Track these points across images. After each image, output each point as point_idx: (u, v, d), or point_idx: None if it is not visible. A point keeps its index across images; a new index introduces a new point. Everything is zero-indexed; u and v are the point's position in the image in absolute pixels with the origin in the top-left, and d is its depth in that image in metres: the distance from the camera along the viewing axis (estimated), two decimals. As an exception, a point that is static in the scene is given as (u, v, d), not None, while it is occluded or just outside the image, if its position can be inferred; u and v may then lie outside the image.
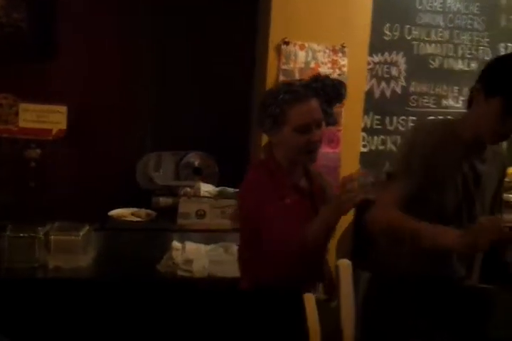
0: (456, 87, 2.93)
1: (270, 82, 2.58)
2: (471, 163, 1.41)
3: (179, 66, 2.73)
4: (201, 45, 2.73)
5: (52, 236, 1.99)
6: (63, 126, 2.45)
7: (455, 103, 2.94)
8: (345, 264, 0.91)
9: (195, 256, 2.13)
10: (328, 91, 1.48)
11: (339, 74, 2.64)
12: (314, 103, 1.44)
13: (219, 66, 2.72)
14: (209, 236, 2.33)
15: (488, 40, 2.99)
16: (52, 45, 2.51)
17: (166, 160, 2.54)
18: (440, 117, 2.90)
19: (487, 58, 2.98)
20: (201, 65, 2.73)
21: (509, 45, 3.02)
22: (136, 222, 2.37)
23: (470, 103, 1.40)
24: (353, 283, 2.75)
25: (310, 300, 0.85)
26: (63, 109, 2.45)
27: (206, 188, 2.40)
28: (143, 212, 2.43)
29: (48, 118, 2.43)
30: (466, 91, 2.94)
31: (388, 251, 1.47)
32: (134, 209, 2.43)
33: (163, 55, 2.71)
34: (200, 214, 2.34)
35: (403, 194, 1.32)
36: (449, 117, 1.61)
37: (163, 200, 2.43)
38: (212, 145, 2.62)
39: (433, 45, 2.88)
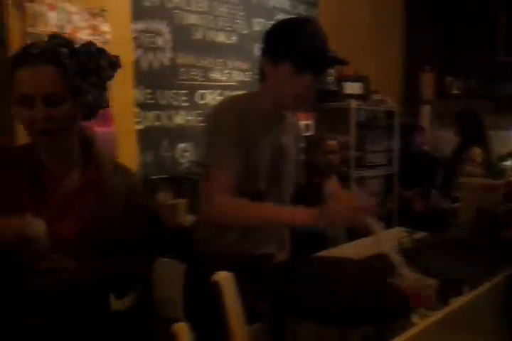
0: (220, 60, 2.94)
1: (15, 48, 2.06)
2: (274, 135, 1.40)
3: None
4: None
5: None
6: None
7: (221, 76, 2.96)
8: (224, 277, 0.72)
9: None
10: (84, 60, 1.12)
11: (103, 43, 2.30)
12: (47, 71, 1.09)
13: None
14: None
15: (243, 13, 3.07)
16: None
17: None
18: (210, 91, 2.89)
19: (244, 32, 3.08)
20: None
21: (261, 20, 3.18)
22: None
23: (262, 78, 1.39)
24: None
25: (183, 329, 0.65)
26: None
27: None
28: None
29: None
30: (230, 64, 3.00)
31: (207, 238, 1.42)
32: None
33: None
34: None
35: (232, 178, 1.28)
36: (244, 92, 1.53)
37: None
38: None
39: (194, 15, 2.80)
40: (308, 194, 2.72)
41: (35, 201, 1.12)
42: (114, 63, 1.18)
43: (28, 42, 2.07)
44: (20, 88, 1.08)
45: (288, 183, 1.45)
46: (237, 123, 1.29)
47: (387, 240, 1.29)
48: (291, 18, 1.44)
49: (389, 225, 2.24)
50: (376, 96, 3.94)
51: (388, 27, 4.35)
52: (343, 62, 1.33)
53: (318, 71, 1.32)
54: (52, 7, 2.15)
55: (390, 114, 4.16)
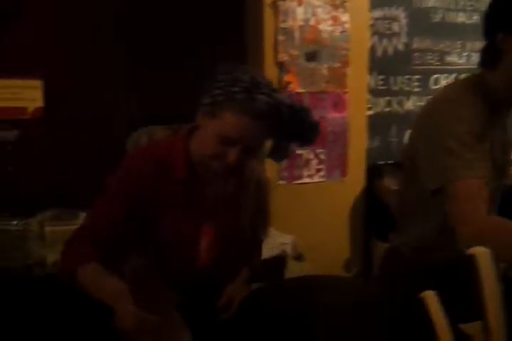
0: (459, 42, 2.78)
1: (268, 43, 2.34)
2: (503, 126, 1.22)
3: (160, 30, 2.45)
4: (184, 7, 2.44)
5: (46, 227, 1.75)
6: (40, 103, 2.17)
7: (458, 59, 2.80)
8: (482, 252, 0.74)
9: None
10: (297, 129, 1.08)
11: (341, 32, 2.43)
12: (262, 127, 1.04)
13: (204, 29, 2.46)
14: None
15: (488, -10, 2.83)
16: (16, 7, 2.17)
17: (160, 135, 2.29)
18: (445, 75, 2.77)
19: (488, 10, 2.83)
20: (185, 27, 2.46)
21: (510, -6, 2.87)
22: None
23: (487, 62, 1.16)
24: (369, 252, 2.66)
25: (431, 297, 0.69)
26: (38, 83, 2.15)
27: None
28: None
29: (22, 94, 2.13)
30: (469, 45, 2.81)
31: (410, 225, 1.34)
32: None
33: (141, 18, 2.42)
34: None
35: (483, 186, 1.06)
36: (463, 78, 1.30)
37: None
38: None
39: (433, -3, 2.70)
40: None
41: (187, 203, 1.14)
42: (314, 137, 1.13)
43: (280, 36, 2.34)
44: (229, 130, 1.02)
45: (503, 184, 1.25)
46: (474, 117, 1.10)
47: None
48: None
49: None
50: None
51: None
52: None
53: None
54: (300, 3, 2.36)
55: None
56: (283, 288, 1.19)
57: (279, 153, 1.13)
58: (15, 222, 1.76)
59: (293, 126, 1.05)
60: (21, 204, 2.03)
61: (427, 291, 0.78)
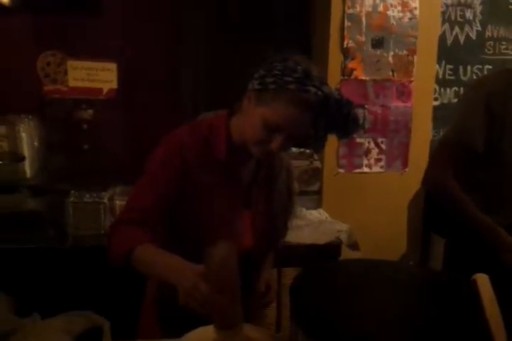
0: (538, 30, 2.64)
1: (334, 28, 2.34)
2: None
3: (230, 18, 2.51)
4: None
5: (117, 201, 1.88)
6: (114, 85, 2.29)
7: (535, 48, 2.66)
8: (483, 279, 0.76)
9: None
10: (340, 122, 1.07)
11: (410, 19, 2.38)
12: (309, 118, 1.05)
13: (270, 13, 2.48)
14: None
15: None
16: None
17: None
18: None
19: None
20: (253, 14, 2.50)
21: None
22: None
23: None
24: (427, 247, 2.63)
25: (483, 279, 0.71)
26: (113, 66, 2.28)
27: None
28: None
29: (98, 76, 2.27)
30: (549, 34, 2.65)
31: None
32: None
33: (213, 5, 2.49)
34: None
35: (462, 152, 1.41)
36: None
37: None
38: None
39: (513, -18, 2.57)
40: None
41: (226, 185, 1.15)
42: (354, 130, 1.11)
43: (347, 22, 2.33)
44: (277, 119, 1.03)
45: None
46: (497, 95, 1.34)
47: None
48: None
49: None
50: None
51: None
52: None
53: None
54: (370, -11, 2.33)
55: None
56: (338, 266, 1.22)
57: (319, 143, 1.13)
58: (88, 195, 1.89)
59: (338, 119, 1.06)
60: (94, 179, 2.18)
61: (478, 274, 0.78)
